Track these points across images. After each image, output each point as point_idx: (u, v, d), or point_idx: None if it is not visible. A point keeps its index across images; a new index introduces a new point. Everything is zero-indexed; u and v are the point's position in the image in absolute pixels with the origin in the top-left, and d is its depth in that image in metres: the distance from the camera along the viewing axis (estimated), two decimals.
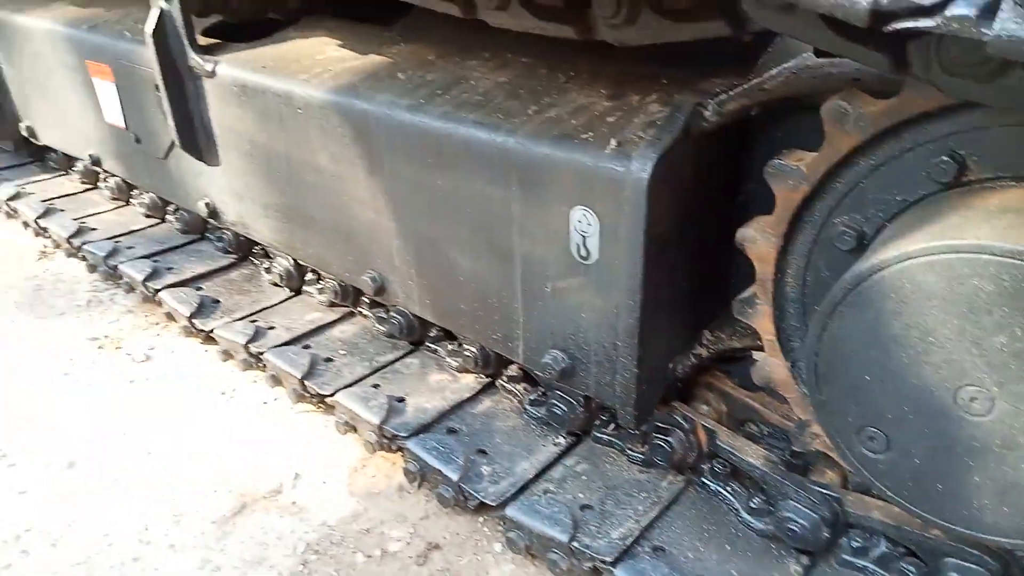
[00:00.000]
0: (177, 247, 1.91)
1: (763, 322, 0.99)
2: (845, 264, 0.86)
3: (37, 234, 2.13)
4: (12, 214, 2.22)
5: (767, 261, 0.95)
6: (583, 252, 0.98)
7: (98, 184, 2.25)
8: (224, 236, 1.84)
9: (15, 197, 2.20)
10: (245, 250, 1.86)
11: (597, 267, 0.98)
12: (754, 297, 0.97)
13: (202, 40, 1.49)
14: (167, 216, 2.03)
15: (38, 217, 2.08)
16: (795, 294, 0.98)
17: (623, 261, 0.93)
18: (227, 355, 1.62)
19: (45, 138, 2.20)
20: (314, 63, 1.34)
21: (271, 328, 1.58)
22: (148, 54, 1.48)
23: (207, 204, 1.68)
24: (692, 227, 1.00)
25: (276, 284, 1.75)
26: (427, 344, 1.50)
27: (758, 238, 0.93)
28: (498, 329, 1.19)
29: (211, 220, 1.72)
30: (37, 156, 2.44)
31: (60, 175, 2.37)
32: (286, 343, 1.52)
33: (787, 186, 0.87)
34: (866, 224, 0.87)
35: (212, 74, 1.42)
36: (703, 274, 1.08)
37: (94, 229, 2.02)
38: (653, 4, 0.84)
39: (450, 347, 1.46)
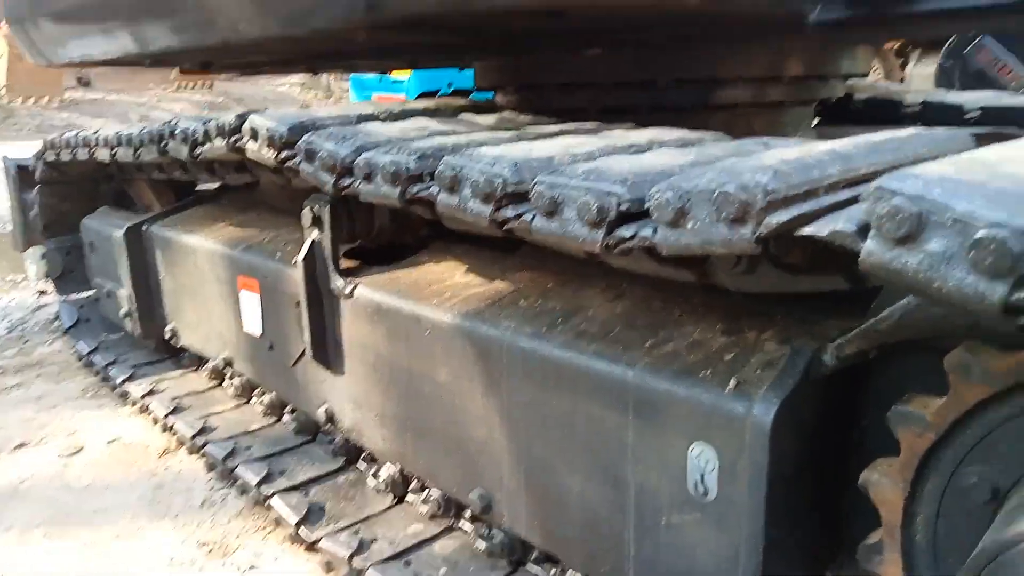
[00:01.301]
0: (291, 448, 2.01)
1: (891, 570, 0.94)
2: (980, 516, 0.83)
3: (164, 430, 2.29)
4: (144, 410, 2.41)
5: (894, 507, 0.92)
6: (701, 488, 0.98)
7: (223, 383, 2.43)
8: (335, 439, 1.92)
9: (149, 394, 2.40)
10: (354, 455, 1.92)
11: (716, 505, 0.97)
12: (881, 544, 0.94)
13: (343, 263, 1.68)
14: (284, 416, 2.15)
15: (167, 414, 2.25)
16: (926, 543, 0.94)
17: (745, 501, 0.93)
18: (329, 567, 1.63)
19: (186, 340, 2.43)
20: (443, 288, 1.48)
21: (374, 540, 1.59)
22: (295, 275, 1.68)
23: (326, 410, 1.78)
24: (811, 467, 1.00)
25: (380, 490, 1.78)
26: (528, 565, 1.47)
27: (883, 482, 0.91)
28: (606, 559, 1.17)
29: (328, 425, 1.81)
30: (172, 353, 2.68)
31: (191, 372, 2.58)
32: (389, 558, 1.52)
33: (912, 432, 0.87)
34: (1001, 476, 0.85)
35: (350, 295, 1.58)
36: (822, 515, 1.05)
37: (215, 428, 2.15)
38: (771, 257, 0.91)
39: (552, 571, 1.43)
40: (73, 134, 2.35)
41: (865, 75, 2.15)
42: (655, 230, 0.83)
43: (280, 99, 15.72)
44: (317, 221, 1.57)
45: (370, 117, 1.50)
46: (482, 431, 1.34)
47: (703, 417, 0.97)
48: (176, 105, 15.06)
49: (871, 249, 0.67)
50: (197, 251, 2.19)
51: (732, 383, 0.95)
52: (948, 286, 0.63)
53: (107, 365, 2.65)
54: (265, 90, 16.76)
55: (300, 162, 1.35)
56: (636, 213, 0.88)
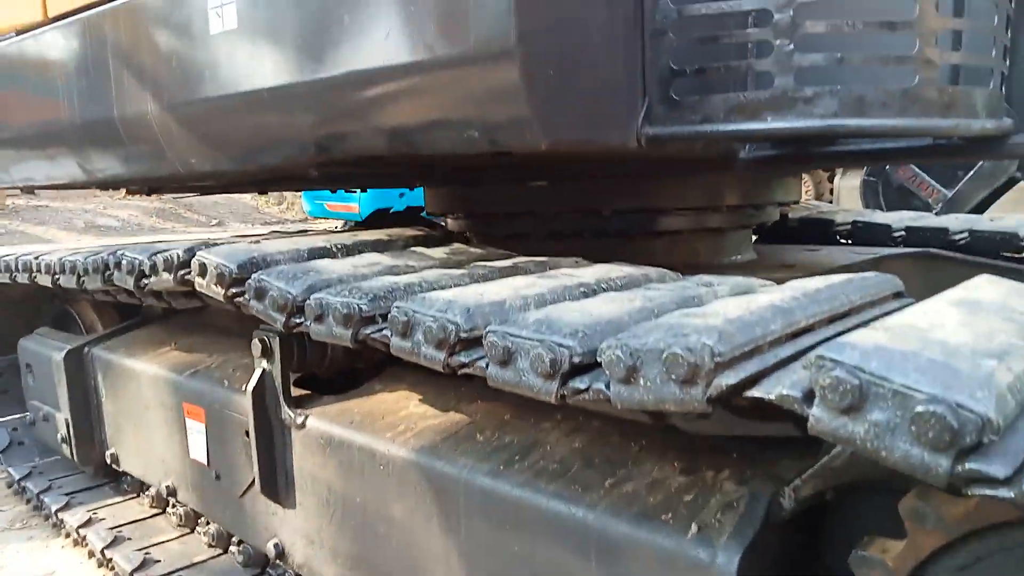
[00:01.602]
0: None
1: None
2: None
3: (101, 564, 2.15)
4: (80, 542, 2.27)
5: None
6: None
7: (167, 510, 2.31)
8: (285, 574, 1.83)
9: (86, 524, 2.27)
10: None
11: None
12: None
13: (294, 391, 1.65)
14: (231, 547, 2.05)
15: (105, 547, 2.12)
16: None
17: None
18: None
19: (127, 466, 2.32)
20: (397, 419, 1.45)
21: None
22: (244, 404, 1.64)
23: (276, 545, 1.70)
24: None
25: None
26: None
27: None
28: None
29: (278, 561, 1.73)
30: (112, 478, 2.55)
31: (131, 498, 2.45)
32: None
33: None
34: None
35: (302, 427, 1.54)
36: None
37: (158, 561, 2.03)
38: (724, 405, 0.92)
39: None
40: (12, 258, 2.29)
41: (797, 201, 2.28)
42: (608, 384, 0.84)
43: (230, 203, 15.69)
44: (267, 352, 1.54)
45: (322, 252, 1.51)
46: (440, 571, 1.29)
47: (667, 563, 0.95)
48: (123, 212, 14.89)
49: (818, 416, 0.68)
50: (141, 376, 2.12)
51: (694, 528, 0.94)
52: (895, 456, 0.64)
53: (40, 492, 2.51)
54: (215, 196, 16.78)
55: (250, 300, 1.33)
56: (589, 364, 0.89)
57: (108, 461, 2.36)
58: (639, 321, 0.92)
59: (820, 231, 2.63)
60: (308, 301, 1.22)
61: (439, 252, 1.54)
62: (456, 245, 1.62)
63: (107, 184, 2.33)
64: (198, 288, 1.47)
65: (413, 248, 1.58)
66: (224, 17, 1.54)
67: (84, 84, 1.96)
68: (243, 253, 1.43)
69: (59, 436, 2.43)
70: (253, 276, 1.33)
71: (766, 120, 1.31)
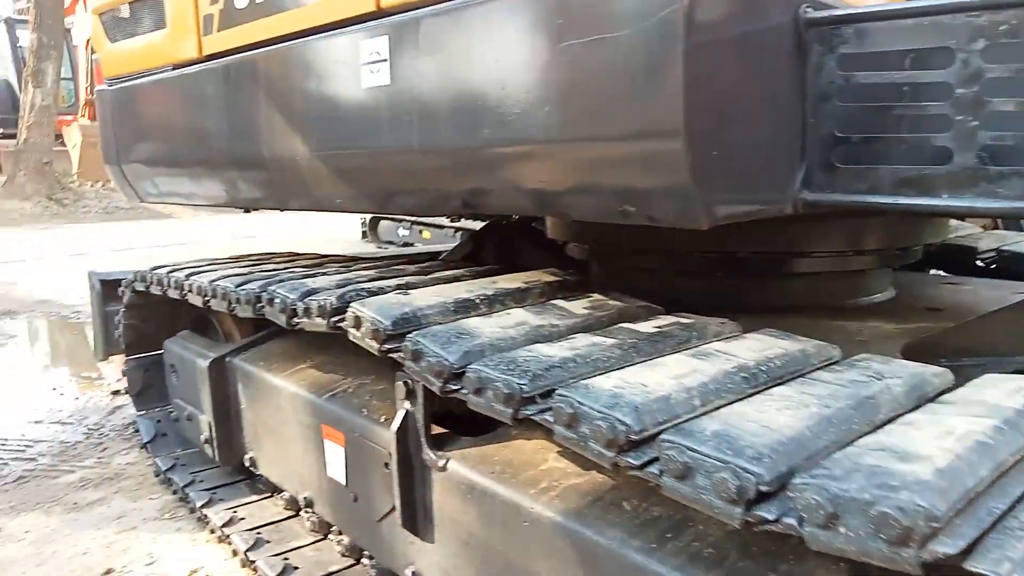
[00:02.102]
0: None
1: None
2: None
3: (244, 564, 2.31)
4: (224, 539, 2.44)
5: None
6: None
7: (299, 513, 2.45)
8: None
9: (228, 523, 2.44)
10: None
11: None
12: None
13: (433, 428, 1.71)
14: (362, 559, 2.16)
15: (248, 549, 2.28)
16: None
17: None
18: None
19: (264, 470, 2.47)
20: (539, 474, 1.48)
21: None
22: (383, 437, 1.71)
23: (413, 573, 1.79)
24: None
25: None
26: None
27: None
28: None
29: None
30: (248, 475, 2.73)
31: (266, 498, 2.61)
32: None
33: None
34: None
35: (443, 469, 1.60)
36: None
37: (297, 568, 2.17)
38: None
39: None
40: (165, 272, 2.46)
41: (943, 240, 2.16)
42: (801, 522, 0.84)
43: None
44: (411, 395, 1.60)
45: (468, 306, 1.54)
46: None
47: None
48: None
49: None
50: (280, 391, 2.24)
51: None
52: None
53: (185, 486, 2.71)
54: None
55: (406, 360, 1.39)
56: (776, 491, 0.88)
57: (247, 464, 2.52)
58: (825, 442, 0.90)
59: (960, 259, 2.48)
60: (467, 372, 1.26)
61: (580, 308, 1.55)
62: (594, 297, 1.62)
63: (246, 206, 2.45)
64: (352, 339, 1.53)
65: (552, 301, 1.59)
66: (377, 73, 1.58)
67: (235, 119, 2.06)
68: (395, 308, 1.48)
69: (202, 437, 2.61)
70: (409, 338, 1.38)
71: (941, 197, 1.25)
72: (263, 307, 1.86)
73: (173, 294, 2.37)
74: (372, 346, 1.47)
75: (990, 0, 1.17)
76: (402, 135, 1.57)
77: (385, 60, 1.56)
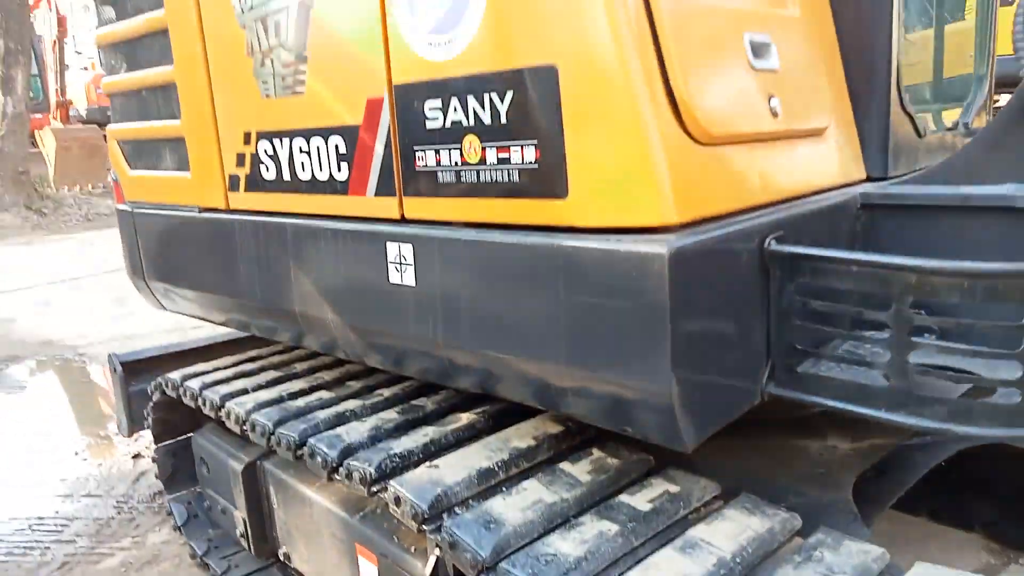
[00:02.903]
0: None
1: None
2: None
3: None
4: None
5: None
6: None
7: None
8: None
9: None
10: None
11: None
12: None
13: None
14: None
15: None
16: None
17: None
18: None
19: (299, 566, 2.73)
20: None
21: None
22: (414, 566, 1.98)
23: None
24: None
25: None
26: None
27: None
28: None
29: None
30: (275, 558, 2.99)
31: None
32: None
33: None
34: None
35: None
36: None
37: None
38: None
39: None
40: (198, 386, 2.67)
41: None
42: None
43: None
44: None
45: (489, 475, 1.81)
46: None
47: None
48: None
49: None
50: (313, 504, 2.49)
51: None
52: None
53: (223, 574, 2.97)
54: None
55: (443, 549, 1.65)
56: None
57: (281, 557, 2.79)
58: None
59: None
60: (497, 571, 1.53)
61: (584, 473, 1.82)
62: (594, 456, 1.89)
63: (267, 337, 2.68)
64: (392, 513, 1.79)
65: (559, 465, 1.86)
66: (403, 273, 1.82)
67: (263, 271, 2.27)
68: (429, 488, 1.74)
69: (238, 531, 2.86)
70: (444, 529, 1.64)
71: (880, 409, 1.53)
72: (302, 455, 2.11)
73: (208, 411, 2.60)
74: (412, 526, 1.73)
75: (919, 266, 1.44)
76: (425, 328, 1.81)
77: (411, 264, 1.80)
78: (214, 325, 2.88)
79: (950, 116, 2.92)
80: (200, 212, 2.47)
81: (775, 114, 1.75)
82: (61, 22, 15.25)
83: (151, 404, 3.15)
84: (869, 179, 2.18)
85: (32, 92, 16.28)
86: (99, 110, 18.78)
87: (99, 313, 7.13)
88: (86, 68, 20.39)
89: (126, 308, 7.16)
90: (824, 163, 2.03)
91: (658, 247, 1.36)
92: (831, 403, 1.58)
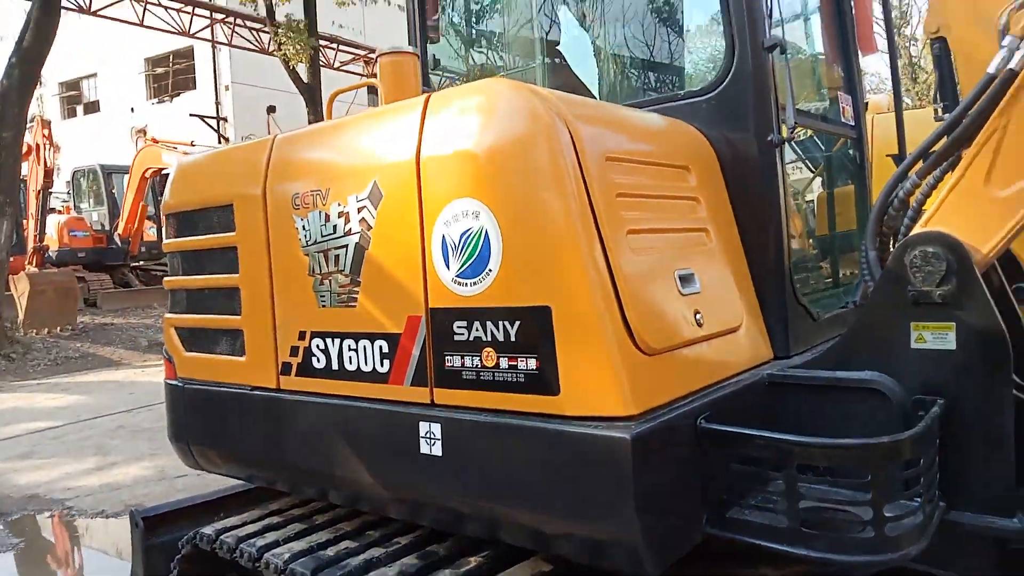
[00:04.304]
0: None
1: None
2: None
3: None
4: None
5: None
6: None
7: None
8: None
9: None
10: None
11: None
12: None
13: None
14: None
15: None
16: None
17: None
18: None
19: None
20: None
21: None
22: None
23: None
24: None
25: None
26: None
27: None
28: None
29: None
30: None
31: None
32: None
33: None
34: None
35: None
36: None
37: None
38: None
39: None
40: (233, 540, 3.12)
41: None
42: None
43: None
44: None
45: None
46: None
47: None
48: None
49: None
50: None
51: None
52: None
53: None
54: None
55: None
56: None
57: None
58: None
59: None
60: None
61: None
62: None
63: (303, 497, 3.18)
64: None
65: None
66: (432, 446, 2.41)
67: (307, 441, 2.83)
68: None
69: None
70: None
71: (784, 544, 2.14)
72: None
73: (245, 564, 3.05)
74: None
75: (798, 442, 2.10)
76: (448, 488, 2.39)
77: (439, 439, 2.39)
78: (229, 479, 3.36)
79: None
80: (252, 390, 3.03)
81: (700, 324, 2.46)
82: (48, 174, 15.99)
83: (179, 557, 3.54)
84: (776, 358, 2.89)
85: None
86: (70, 252, 19.26)
87: (82, 464, 7.35)
88: (58, 210, 20.99)
89: (108, 459, 7.43)
90: (740, 351, 2.73)
91: (623, 433, 2.00)
92: (751, 540, 2.19)
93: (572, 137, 2.19)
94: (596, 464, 2.05)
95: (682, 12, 3.84)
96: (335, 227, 2.61)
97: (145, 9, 20.72)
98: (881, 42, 3.98)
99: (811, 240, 3.86)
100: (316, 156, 2.81)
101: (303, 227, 2.71)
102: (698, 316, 2.45)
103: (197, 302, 3.28)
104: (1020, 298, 4.72)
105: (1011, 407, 2.30)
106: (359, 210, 2.53)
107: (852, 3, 3.71)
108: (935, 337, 2.38)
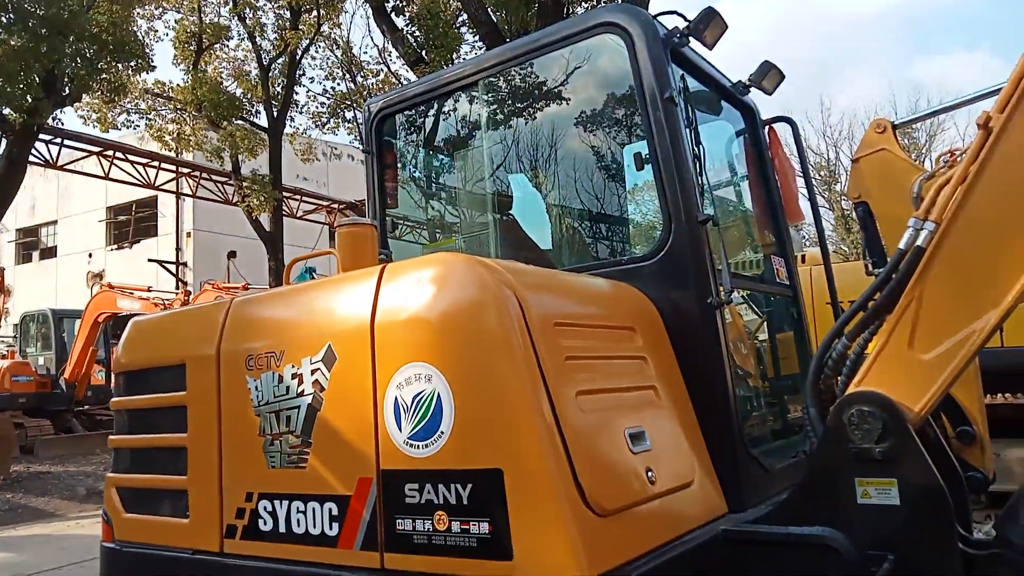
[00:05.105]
0: None
1: None
2: None
3: None
4: None
5: None
6: None
7: None
8: None
9: None
10: None
11: None
12: None
13: None
14: None
15: None
16: None
17: None
18: None
19: None
20: None
21: None
22: None
23: None
24: None
25: None
26: None
27: None
28: None
29: None
30: None
31: None
32: None
33: None
34: None
35: None
36: None
37: None
38: None
39: None
40: None
41: None
42: None
43: None
44: None
45: None
46: None
47: None
48: None
49: None
50: None
51: None
52: None
53: None
54: None
55: None
56: None
57: None
58: None
59: None
60: None
61: None
62: None
63: None
64: None
65: None
66: None
67: None
68: None
69: None
70: None
71: None
72: None
73: None
74: None
75: None
76: None
77: None
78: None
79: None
80: (193, 554, 2.90)
81: (653, 482, 2.49)
82: None
83: None
84: (732, 511, 2.89)
85: None
86: (10, 397, 18.48)
87: None
88: (2, 355, 20.40)
89: None
90: (695, 506, 2.74)
91: None
92: None
93: (520, 304, 2.31)
94: None
95: (625, 178, 4.15)
96: (288, 388, 2.63)
97: (112, 164, 21.22)
98: (807, 210, 4.32)
99: (759, 390, 3.98)
100: (272, 318, 2.87)
101: (255, 387, 2.72)
102: (650, 473, 2.48)
103: (142, 461, 3.20)
104: (965, 442, 4.87)
105: (957, 560, 2.33)
106: (313, 372, 2.56)
107: (776, 179, 4.06)
108: (879, 492, 2.44)
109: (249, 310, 2.93)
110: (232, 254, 21.51)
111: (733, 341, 3.59)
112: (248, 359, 2.77)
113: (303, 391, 2.59)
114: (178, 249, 28.29)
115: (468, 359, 2.28)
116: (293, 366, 2.63)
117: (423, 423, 2.29)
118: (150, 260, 25.26)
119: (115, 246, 30.50)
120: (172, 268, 26.11)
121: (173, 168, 23.26)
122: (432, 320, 2.36)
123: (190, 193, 24.00)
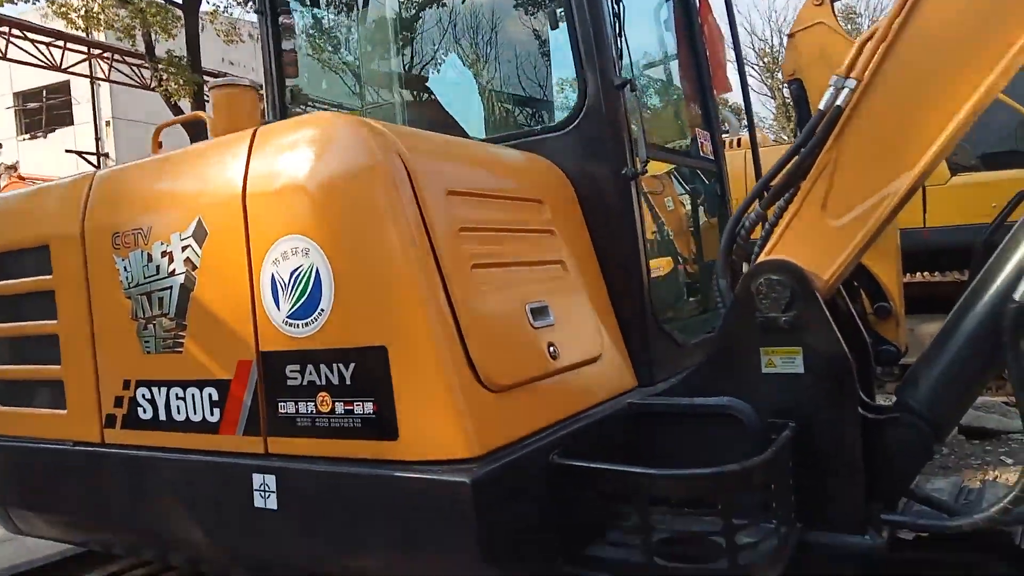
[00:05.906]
0: None
1: None
2: None
3: None
4: None
5: None
6: None
7: None
8: None
9: None
10: None
11: None
12: None
13: None
14: None
15: None
16: None
17: None
18: None
19: None
20: None
21: None
22: None
23: None
24: None
25: None
26: None
27: None
28: None
29: None
30: None
31: None
32: None
33: None
34: None
35: None
36: None
37: None
38: None
39: None
40: None
41: None
42: None
43: None
44: None
45: None
46: None
47: None
48: None
49: None
50: None
51: None
52: None
53: None
54: None
55: None
56: None
57: None
58: None
59: None
60: None
61: None
62: None
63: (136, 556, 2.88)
64: None
65: None
66: (267, 499, 2.20)
67: (135, 499, 2.56)
68: None
69: None
70: None
71: None
72: None
73: None
74: None
75: (646, 473, 2.03)
76: (286, 544, 2.19)
77: (273, 492, 2.19)
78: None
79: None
80: (73, 446, 2.73)
81: (555, 357, 2.38)
82: None
83: None
84: (641, 386, 2.84)
85: None
86: None
87: None
88: None
89: None
90: (601, 381, 2.67)
91: (463, 476, 1.87)
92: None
93: (408, 171, 2.09)
94: (437, 510, 1.91)
95: (548, 51, 3.86)
96: (158, 267, 2.39)
97: (8, 43, 19.32)
98: (735, 81, 4.10)
99: (676, 268, 3.89)
100: (138, 192, 2.59)
101: (124, 268, 2.48)
102: (552, 348, 2.37)
103: (13, 351, 2.95)
104: (882, 317, 4.95)
105: (856, 425, 2.32)
106: (183, 249, 2.33)
107: (705, 48, 3.82)
108: (784, 361, 2.39)
109: (113, 184, 2.64)
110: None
111: (650, 215, 3.46)
112: (115, 237, 2.51)
113: (174, 270, 2.36)
114: (98, 139, 26.57)
115: (349, 230, 2.08)
116: (162, 243, 2.38)
117: (302, 301, 2.10)
118: (67, 151, 23.69)
119: (27, 135, 28.46)
120: (92, 160, 24.58)
121: (83, 49, 21.40)
122: (309, 188, 2.13)
123: (103, 77, 22.27)
